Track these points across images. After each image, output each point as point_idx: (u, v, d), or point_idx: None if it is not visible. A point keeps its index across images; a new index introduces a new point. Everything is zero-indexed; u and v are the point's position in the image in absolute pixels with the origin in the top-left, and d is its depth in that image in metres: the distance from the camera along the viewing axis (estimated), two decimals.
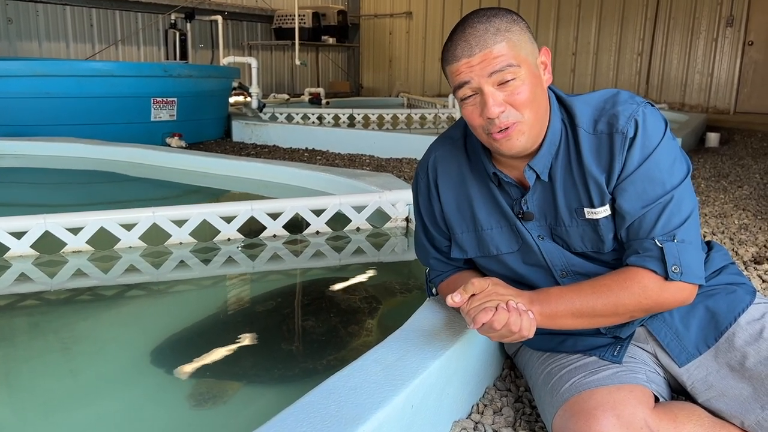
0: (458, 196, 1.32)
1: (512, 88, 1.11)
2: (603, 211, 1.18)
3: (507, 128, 1.13)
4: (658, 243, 1.13)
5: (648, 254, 1.14)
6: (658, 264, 1.13)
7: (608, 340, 1.26)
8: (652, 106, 1.19)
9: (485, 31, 1.11)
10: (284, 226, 2.71)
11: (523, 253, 1.28)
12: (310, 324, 1.96)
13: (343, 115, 6.97)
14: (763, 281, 2.22)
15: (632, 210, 1.15)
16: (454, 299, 1.12)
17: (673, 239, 1.13)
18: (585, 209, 1.19)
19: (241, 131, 6.12)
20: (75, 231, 2.41)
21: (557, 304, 1.16)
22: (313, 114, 6.95)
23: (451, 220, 1.34)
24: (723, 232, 2.86)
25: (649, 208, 1.14)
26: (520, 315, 1.10)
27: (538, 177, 1.21)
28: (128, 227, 2.48)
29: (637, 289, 1.14)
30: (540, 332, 1.25)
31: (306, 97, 8.77)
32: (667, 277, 1.12)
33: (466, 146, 1.32)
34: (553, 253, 1.26)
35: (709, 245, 1.36)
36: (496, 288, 1.16)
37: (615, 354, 1.24)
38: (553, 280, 1.28)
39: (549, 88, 1.22)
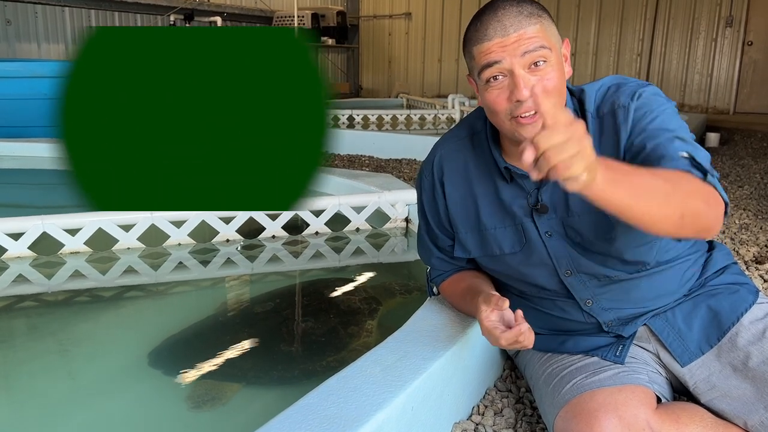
0: (464, 194, 1.31)
1: (543, 73, 1.09)
2: None
3: (536, 113, 1.09)
4: (684, 155, 1.05)
5: (681, 163, 1.04)
6: (697, 172, 1.04)
7: (610, 340, 1.25)
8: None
9: (519, 14, 1.09)
10: (283, 227, 2.70)
11: (526, 253, 1.27)
12: (310, 325, 1.95)
13: (343, 115, 6.96)
14: (765, 281, 2.21)
15: (646, 144, 1.09)
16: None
17: (692, 156, 1.05)
18: None
19: None
20: (73, 232, 2.40)
21: (623, 172, 0.95)
22: None
23: (456, 218, 1.33)
24: (724, 232, 2.86)
25: (663, 138, 1.08)
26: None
27: None
28: (126, 228, 2.47)
29: (704, 193, 1.01)
30: (541, 333, 1.24)
31: None
32: (705, 179, 1.03)
33: (472, 144, 1.31)
34: (559, 251, 1.24)
35: (711, 245, 1.35)
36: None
37: (617, 354, 1.23)
38: (557, 279, 1.26)
39: None
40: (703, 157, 1.07)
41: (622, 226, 1.18)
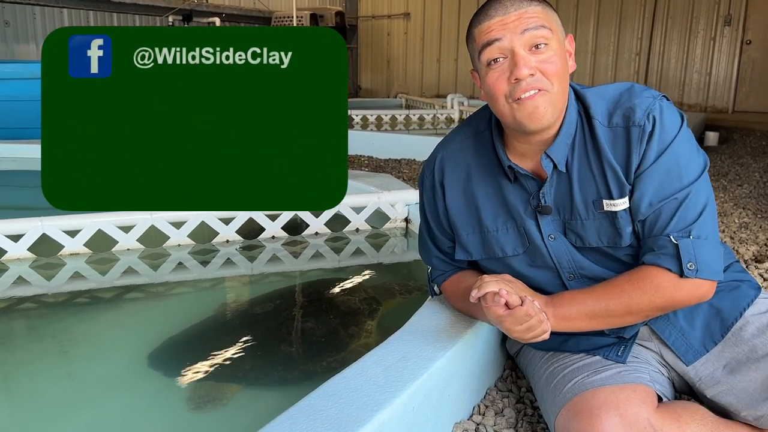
0: (465, 196, 1.30)
1: (545, 56, 1.09)
2: (622, 204, 1.16)
3: (535, 92, 1.09)
4: (673, 240, 1.12)
5: (663, 252, 1.13)
6: (673, 262, 1.11)
7: (612, 340, 1.25)
8: (667, 99, 1.17)
9: None
10: (283, 227, 2.70)
11: (529, 255, 1.26)
12: (310, 325, 1.95)
13: None
14: (764, 280, 2.21)
15: (648, 204, 1.13)
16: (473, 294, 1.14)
17: (689, 235, 1.11)
18: (604, 201, 1.17)
19: None
20: (72, 233, 2.40)
21: (570, 306, 1.16)
22: None
23: (456, 221, 1.32)
24: (723, 231, 2.86)
25: (665, 202, 1.13)
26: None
27: (555, 167, 1.18)
28: (126, 229, 2.46)
29: (650, 289, 1.12)
30: None
31: None
32: (682, 275, 1.11)
33: (475, 144, 1.30)
34: (562, 255, 1.24)
35: None
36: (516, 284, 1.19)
37: (619, 354, 1.23)
38: (560, 282, 1.26)
39: None
40: (700, 227, 1.11)
41: (628, 235, 1.18)
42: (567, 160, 1.18)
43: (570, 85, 1.20)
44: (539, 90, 1.10)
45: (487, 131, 1.27)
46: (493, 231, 1.28)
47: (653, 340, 1.26)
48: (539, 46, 1.09)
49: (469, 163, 1.29)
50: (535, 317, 1.11)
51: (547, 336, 1.14)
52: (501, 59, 1.10)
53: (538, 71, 1.09)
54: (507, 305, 1.10)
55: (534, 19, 1.08)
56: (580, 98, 1.20)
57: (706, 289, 1.14)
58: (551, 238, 1.23)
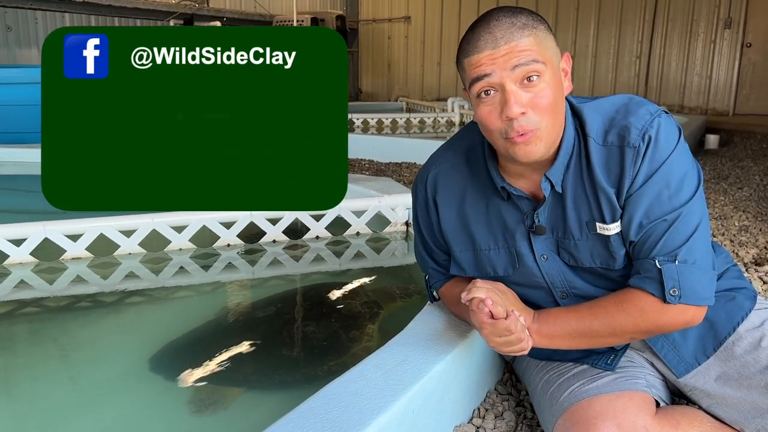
0: (458, 215, 1.27)
1: (537, 90, 1.04)
2: (615, 228, 1.12)
3: (525, 133, 1.05)
4: (657, 264, 1.09)
5: (647, 275, 1.10)
6: (656, 286, 1.09)
7: (602, 349, 1.24)
8: (667, 113, 1.12)
9: (512, 25, 1.05)
10: (284, 231, 2.70)
11: (520, 275, 1.24)
12: (311, 329, 1.95)
13: None
14: (764, 283, 2.21)
15: (638, 226, 1.10)
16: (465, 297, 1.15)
17: (675, 260, 1.08)
18: (597, 224, 1.14)
19: None
20: (74, 238, 2.41)
21: (555, 325, 1.16)
22: None
23: (450, 238, 1.30)
24: (723, 234, 2.86)
25: (654, 224, 1.09)
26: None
27: (552, 188, 1.15)
28: (127, 234, 2.47)
29: (635, 312, 1.10)
30: None
31: None
32: (665, 300, 1.08)
33: (468, 160, 1.26)
34: (555, 275, 1.21)
35: None
36: (507, 294, 1.20)
37: (608, 362, 1.22)
38: (552, 300, 1.25)
39: None
40: (689, 251, 1.08)
41: (621, 258, 1.16)
42: (563, 180, 1.15)
43: (567, 100, 1.16)
44: (529, 132, 1.05)
45: (479, 147, 1.24)
46: (485, 250, 1.26)
47: (645, 351, 1.26)
48: (531, 79, 1.04)
49: (461, 182, 1.26)
50: (515, 334, 1.10)
51: (525, 353, 1.14)
52: (492, 92, 1.06)
53: (529, 109, 1.05)
54: (492, 314, 1.10)
55: (525, 53, 1.03)
56: (576, 114, 1.16)
57: (692, 314, 1.10)
58: (543, 258, 1.21)
